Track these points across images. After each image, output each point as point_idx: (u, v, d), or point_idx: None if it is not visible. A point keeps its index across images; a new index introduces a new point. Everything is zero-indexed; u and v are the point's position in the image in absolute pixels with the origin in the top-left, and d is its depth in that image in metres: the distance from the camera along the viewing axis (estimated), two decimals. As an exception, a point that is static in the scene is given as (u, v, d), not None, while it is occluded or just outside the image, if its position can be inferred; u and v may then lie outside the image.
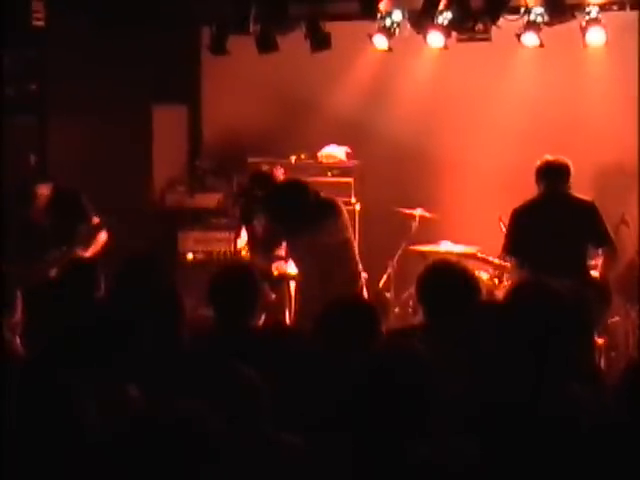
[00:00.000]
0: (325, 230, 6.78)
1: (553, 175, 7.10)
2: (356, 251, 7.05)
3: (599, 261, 7.18)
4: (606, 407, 3.57)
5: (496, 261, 8.16)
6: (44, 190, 7.71)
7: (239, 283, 4.96)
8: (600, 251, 7.15)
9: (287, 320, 7.82)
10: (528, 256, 6.98)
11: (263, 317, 5.05)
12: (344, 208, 6.98)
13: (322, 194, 7.00)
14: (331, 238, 6.83)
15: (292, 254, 7.23)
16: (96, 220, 7.83)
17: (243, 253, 8.21)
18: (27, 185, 7.82)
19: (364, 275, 7.15)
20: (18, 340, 4.98)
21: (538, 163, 7.15)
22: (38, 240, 7.52)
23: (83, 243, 7.73)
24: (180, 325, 4.75)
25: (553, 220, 7.07)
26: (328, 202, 6.92)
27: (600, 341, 7.28)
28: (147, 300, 4.77)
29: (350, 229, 7.07)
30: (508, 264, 7.77)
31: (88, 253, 7.66)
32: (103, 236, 7.86)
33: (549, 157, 7.15)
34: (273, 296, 7.50)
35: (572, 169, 7.10)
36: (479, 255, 8.34)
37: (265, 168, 8.35)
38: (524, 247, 7.08)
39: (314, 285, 6.80)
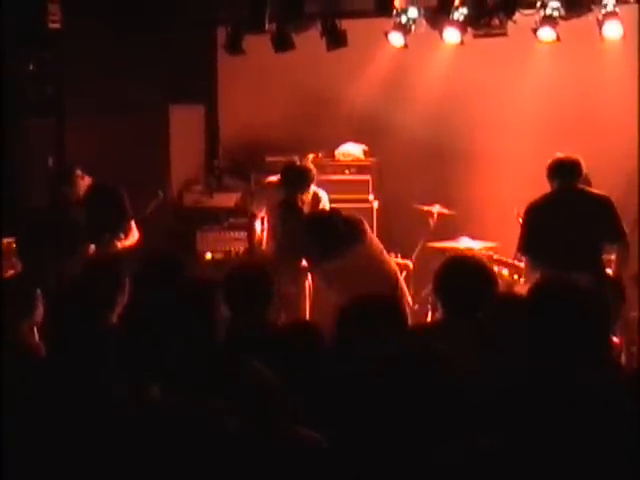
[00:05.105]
0: (354, 254, 6.89)
1: (565, 172, 7.06)
2: (387, 259, 7.20)
3: (613, 256, 7.14)
4: (624, 400, 3.56)
5: (510, 261, 8.13)
6: (85, 178, 7.79)
7: (251, 281, 5.06)
8: (615, 247, 7.12)
9: (306, 312, 7.90)
10: (543, 253, 6.94)
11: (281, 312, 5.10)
12: (367, 226, 7.09)
13: (345, 215, 7.13)
14: (360, 260, 6.92)
15: (321, 278, 7.35)
16: (132, 216, 7.90)
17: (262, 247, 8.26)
18: (68, 167, 7.93)
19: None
20: (38, 340, 5.01)
21: (549, 161, 7.12)
22: (73, 233, 7.55)
23: (119, 238, 7.78)
24: (215, 325, 4.77)
25: (568, 216, 7.02)
26: (352, 225, 7.00)
27: (616, 340, 7.22)
28: (175, 299, 4.79)
29: (376, 243, 7.18)
30: (522, 264, 7.75)
31: (122, 245, 7.73)
32: (136, 234, 7.91)
33: (560, 155, 7.12)
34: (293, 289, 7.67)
35: (584, 166, 7.06)
36: (494, 257, 8.30)
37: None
38: (539, 244, 7.04)
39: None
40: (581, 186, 7.09)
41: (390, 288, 6.86)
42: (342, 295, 6.69)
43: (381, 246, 7.26)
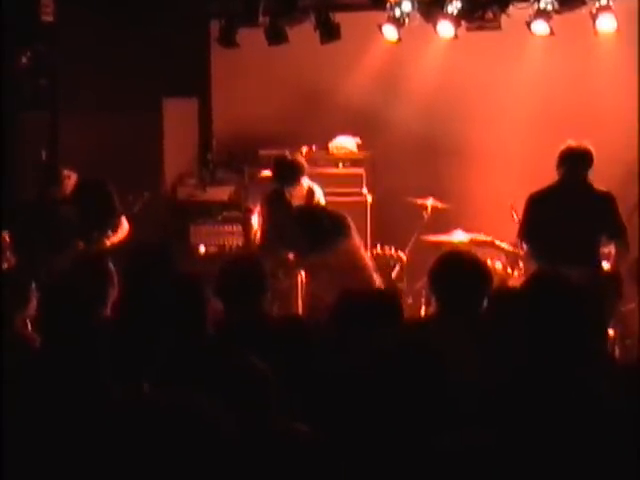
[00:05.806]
0: (338, 248, 6.90)
1: (575, 161, 7.05)
2: (366, 256, 7.22)
3: (611, 249, 7.15)
4: (619, 392, 3.57)
5: (511, 249, 8.14)
6: (71, 177, 7.76)
7: (245, 274, 5.08)
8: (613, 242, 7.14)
9: (298, 305, 7.92)
10: (542, 243, 6.95)
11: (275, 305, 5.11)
12: (351, 221, 7.08)
13: (330, 209, 7.18)
14: (344, 254, 6.94)
15: (307, 271, 7.41)
16: (121, 212, 7.89)
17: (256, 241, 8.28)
18: (53, 166, 7.90)
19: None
20: (31, 331, 5.01)
21: (561, 148, 7.09)
22: (63, 229, 7.54)
23: (109, 233, 7.77)
24: (204, 318, 4.76)
25: (569, 209, 7.02)
26: (338, 220, 7.01)
27: (612, 332, 7.24)
28: (165, 292, 4.79)
29: (358, 239, 7.19)
30: (521, 252, 7.76)
31: (111, 242, 7.73)
32: (126, 226, 7.91)
33: (572, 142, 7.10)
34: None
35: (594, 156, 7.05)
36: (496, 243, 8.31)
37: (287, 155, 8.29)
38: (538, 234, 7.05)
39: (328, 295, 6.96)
40: (586, 179, 7.08)
41: (370, 283, 6.91)
42: (326, 288, 6.75)
43: (361, 242, 7.30)
